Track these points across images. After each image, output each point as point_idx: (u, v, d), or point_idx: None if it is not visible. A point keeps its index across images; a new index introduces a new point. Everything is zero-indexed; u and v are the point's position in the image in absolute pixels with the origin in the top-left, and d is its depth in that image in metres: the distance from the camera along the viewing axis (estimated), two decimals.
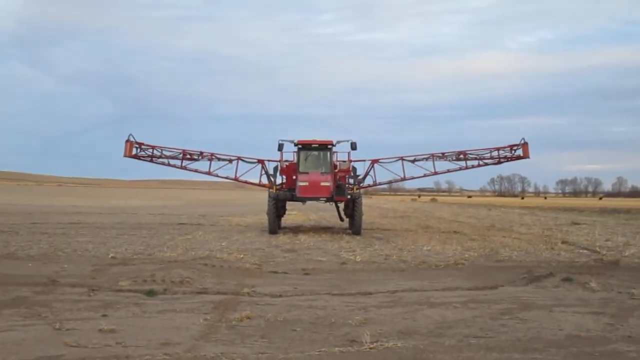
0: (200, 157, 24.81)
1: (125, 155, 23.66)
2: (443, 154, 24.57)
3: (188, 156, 24.71)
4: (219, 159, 24.69)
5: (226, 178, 25.36)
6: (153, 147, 24.35)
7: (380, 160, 24.45)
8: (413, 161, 24.44)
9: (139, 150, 23.97)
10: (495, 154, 24.55)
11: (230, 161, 24.49)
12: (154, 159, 24.49)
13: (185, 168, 25.09)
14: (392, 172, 24.94)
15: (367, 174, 24.29)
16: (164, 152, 24.58)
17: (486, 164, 25.21)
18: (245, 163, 24.54)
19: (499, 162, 25.14)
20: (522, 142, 23.85)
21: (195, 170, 25.37)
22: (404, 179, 25.05)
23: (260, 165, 24.31)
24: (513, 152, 24.19)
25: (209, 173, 25.13)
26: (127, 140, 23.52)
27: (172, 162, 24.83)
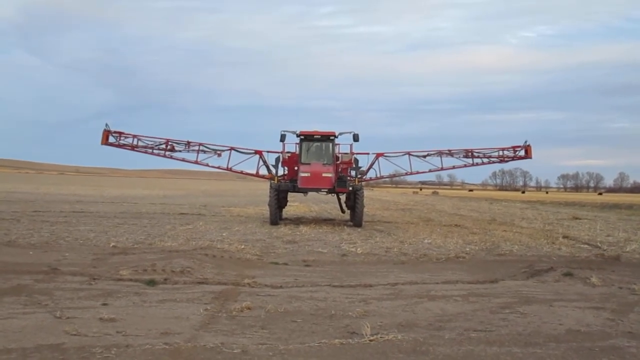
0: (187, 148, 24.46)
1: (102, 144, 24.03)
2: (450, 151, 24.83)
3: (174, 146, 24.41)
4: (216, 153, 24.27)
5: (218, 168, 25.16)
6: (134, 136, 24.42)
7: (385, 154, 24.47)
8: (425, 157, 24.57)
9: (117, 139, 24.22)
10: (500, 153, 25.07)
11: (220, 153, 24.11)
12: (135, 148, 24.46)
13: (171, 157, 24.99)
14: (397, 165, 25.03)
15: (371, 166, 24.31)
16: (141, 141, 24.43)
17: (491, 162, 25.79)
18: (240, 154, 24.26)
19: (503, 161, 25.71)
20: (526, 144, 24.53)
21: (182, 159, 25.13)
22: (410, 173, 25.20)
23: (257, 156, 24.21)
24: (516, 152, 24.82)
25: (196, 162, 24.89)
26: (104, 129, 23.89)
27: (155, 151, 24.70)
